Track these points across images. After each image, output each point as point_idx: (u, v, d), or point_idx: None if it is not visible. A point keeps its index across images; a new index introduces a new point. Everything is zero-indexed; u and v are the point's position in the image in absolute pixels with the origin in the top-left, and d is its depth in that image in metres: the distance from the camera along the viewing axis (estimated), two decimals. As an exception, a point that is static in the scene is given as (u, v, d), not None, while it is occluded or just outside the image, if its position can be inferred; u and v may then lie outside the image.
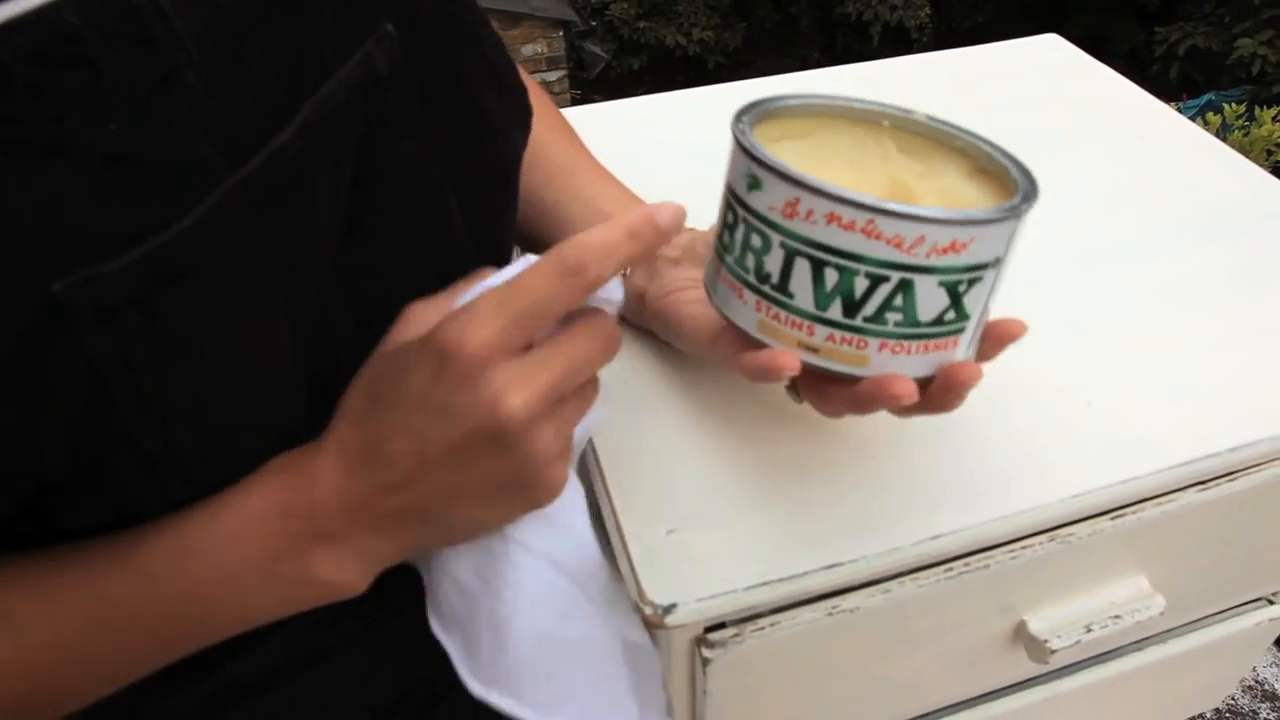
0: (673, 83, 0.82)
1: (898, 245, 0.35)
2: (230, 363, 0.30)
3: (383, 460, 0.34)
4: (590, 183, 0.54)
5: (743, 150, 0.37)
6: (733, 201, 0.39)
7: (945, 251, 0.35)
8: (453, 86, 0.38)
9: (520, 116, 0.45)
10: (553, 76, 5.96)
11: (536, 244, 0.53)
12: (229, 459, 0.34)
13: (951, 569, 0.46)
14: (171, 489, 0.32)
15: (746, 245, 0.38)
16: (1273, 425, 0.48)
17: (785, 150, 0.42)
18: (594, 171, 0.55)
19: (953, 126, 0.42)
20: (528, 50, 5.77)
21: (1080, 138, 0.71)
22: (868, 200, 0.34)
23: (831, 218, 0.35)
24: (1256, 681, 1.69)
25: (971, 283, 0.36)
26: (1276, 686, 1.68)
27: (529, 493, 0.36)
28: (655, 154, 0.69)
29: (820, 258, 0.36)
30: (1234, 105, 3.61)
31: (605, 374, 0.51)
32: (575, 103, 0.96)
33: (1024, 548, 0.47)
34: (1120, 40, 8.60)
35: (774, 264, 0.37)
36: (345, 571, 0.36)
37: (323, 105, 0.31)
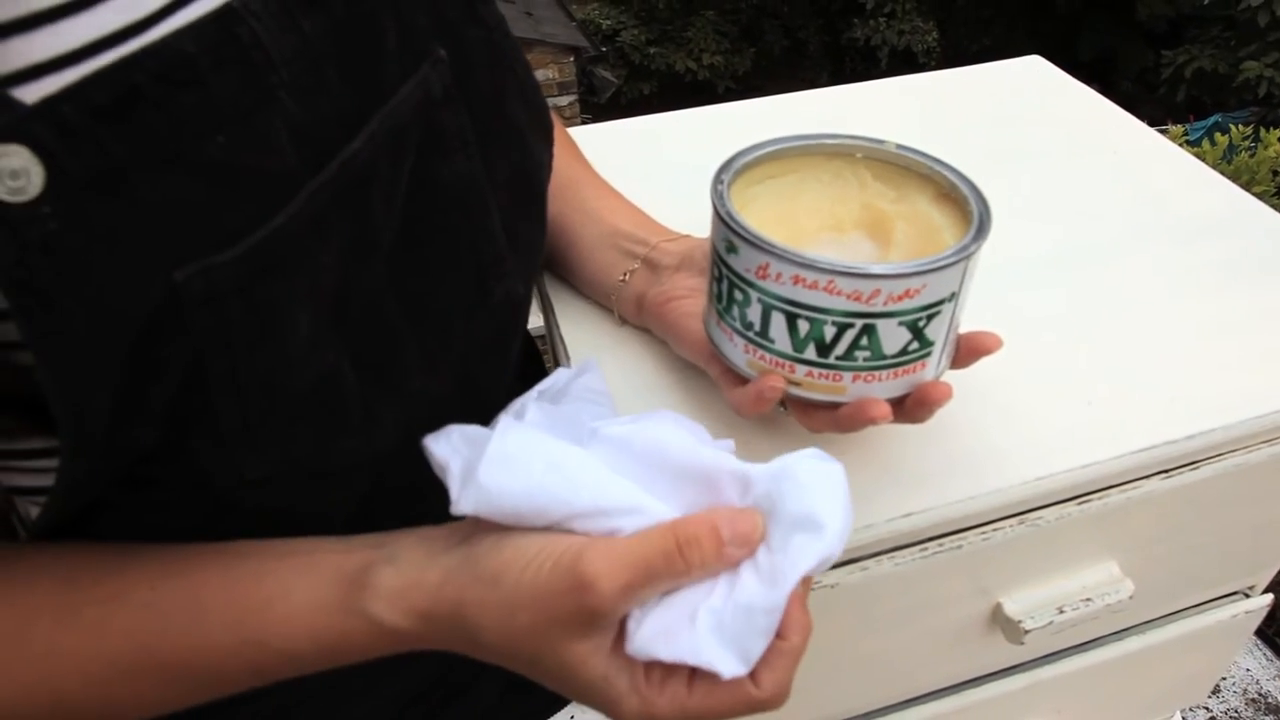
0: (682, 107, 0.85)
1: (856, 298, 0.39)
2: (293, 339, 0.34)
3: (479, 646, 0.36)
4: (592, 195, 0.58)
5: (719, 216, 0.42)
6: (716, 259, 0.44)
7: (900, 298, 0.40)
8: (493, 105, 0.42)
9: (544, 131, 0.49)
10: (564, 101, 6.04)
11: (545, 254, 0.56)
12: (292, 434, 0.36)
13: (926, 549, 0.49)
14: (247, 466, 0.35)
15: (731, 298, 0.43)
16: (1227, 415, 0.51)
17: (767, 190, 0.46)
18: (595, 184, 0.59)
19: (920, 154, 0.46)
20: (539, 75, 5.82)
21: (1059, 151, 0.74)
22: (825, 263, 0.39)
23: (797, 279, 0.40)
24: (1260, 694, 1.70)
25: (930, 317, 0.41)
26: (1280, 699, 1.69)
27: None
28: (662, 172, 0.72)
29: (792, 311, 0.41)
30: (1241, 127, 3.63)
31: (603, 369, 0.55)
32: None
33: (995, 529, 0.50)
34: (1129, 63, 8.65)
35: (754, 315, 0.42)
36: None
37: (387, 119, 0.35)
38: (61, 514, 0.33)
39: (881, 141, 0.47)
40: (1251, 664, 1.75)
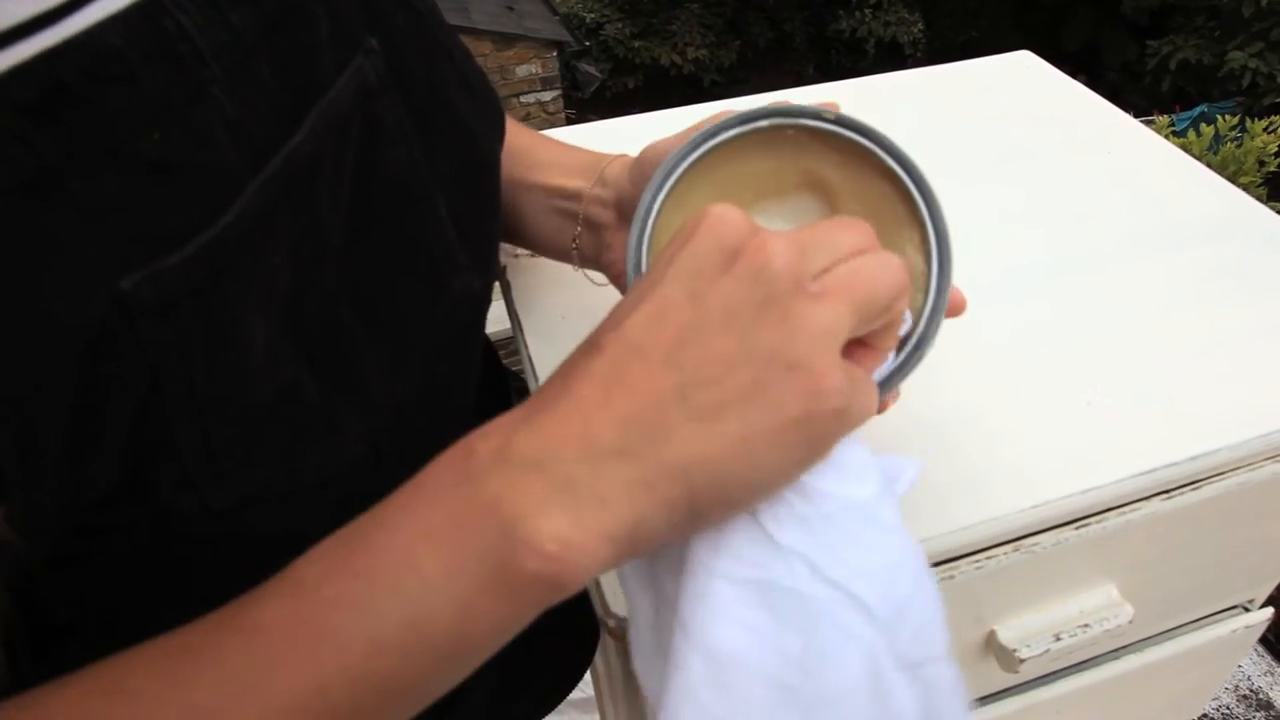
0: (668, 101, 0.83)
1: None
2: (251, 349, 0.32)
3: (654, 333, 0.28)
4: (521, 158, 0.55)
5: None
6: None
7: None
8: (431, 95, 0.41)
9: (491, 119, 0.47)
10: (547, 96, 5.99)
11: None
12: (256, 455, 0.34)
13: (916, 579, 0.46)
14: (211, 495, 0.32)
15: None
16: (1231, 434, 0.49)
17: (699, 176, 0.40)
18: (521, 146, 0.56)
19: (856, 132, 0.39)
20: (522, 71, 5.81)
21: (1051, 150, 0.72)
22: None
23: None
24: (1251, 690, 1.69)
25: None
26: (1271, 695, 1.68)
27: (814, 398, 0.28)
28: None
29: None
30: (1226, 117, 3.63)
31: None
32: (570, 122, 0.97)
33: (988, 558, 0.47)
34: (1113, 54, 8.67)
35: None
36: (574, 527, 0.27)
37: (326, 111, 0.33)
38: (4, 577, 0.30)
39: (820, 114, 0.39)
40: (1244, 660, 1.74)
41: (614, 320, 0.30)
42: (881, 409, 0.40)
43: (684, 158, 0.39)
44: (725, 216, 0.30)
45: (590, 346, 0.30)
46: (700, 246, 0.30)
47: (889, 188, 0.39)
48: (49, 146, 0.25)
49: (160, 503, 0.31)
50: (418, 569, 0.27)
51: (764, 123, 0.40)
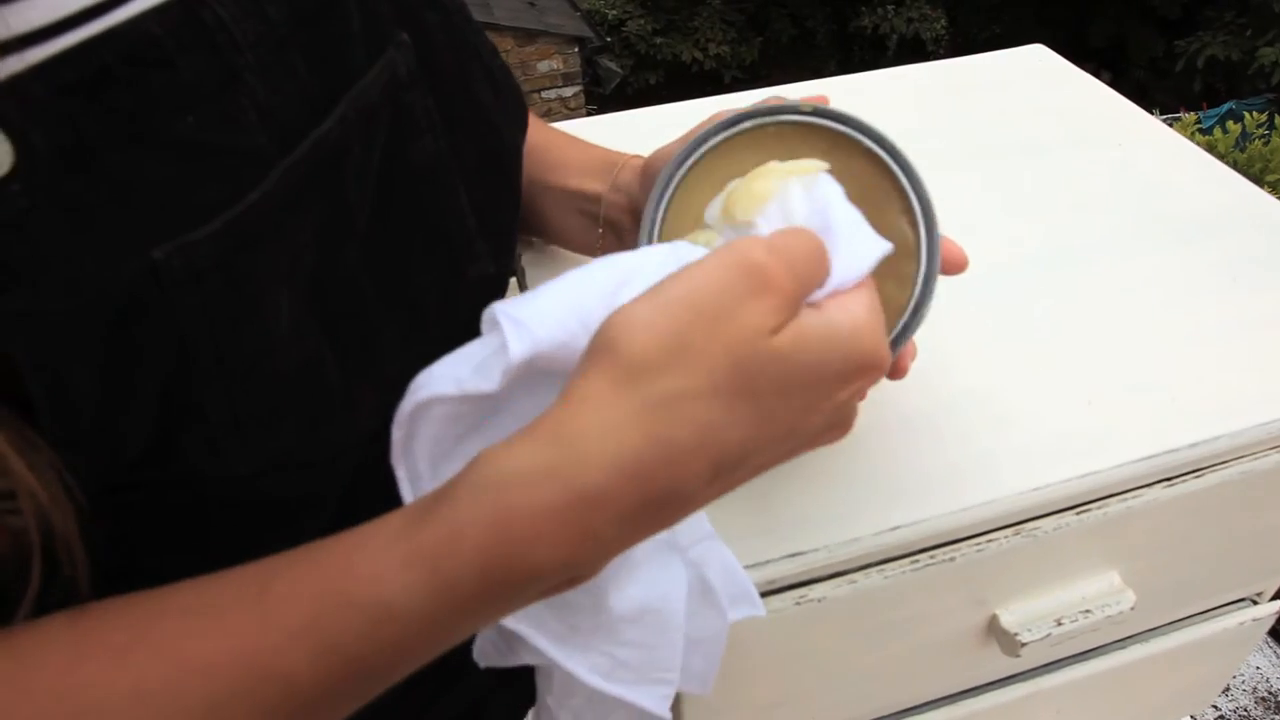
0: (689, 97, 0.84)
1: None
2: (277, 322, 0.34)
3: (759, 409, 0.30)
4: (540, 158, 0.57)
5: None
6: None
7: None
8: (457, 88, 0.42)
9: (515, 113, 0.48)
10: (569, 92, 6.01)
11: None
12: (278, 424, 0.35)
13: (917, 561, 0.47)
14: (236, 461, 0.34)
15: None
16: (1231, 422, 0.49)
17: (704, 184, 0.43)
18: (542, 145, 0.57)
19: (834, 120, 0.42)
20: (544, 67, 5.83)
21: (1062, 144, 0.72)
22: None
23: None
24: (1270, 693, 1.68)
25: None
26: (1290, 697, 1.67)
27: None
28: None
29: None
30: (1255, 114, 3.58)
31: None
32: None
33: (989, 541, 0.48)
34: (1140, 50, 8.56)
35: None
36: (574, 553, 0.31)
37: (356, 101, 0.35)
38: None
39: (798, 108, 0.42)
40: (1261, 662, 1.73)
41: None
42: (899, 373, 0.43)
43: (678, 167, 0.43)
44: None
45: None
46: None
47: (873, 167, 0.42)
48: (88, 125, 0.27)
49: (186, 465, 0.33)
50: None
51: (748, 124, 0.43)
